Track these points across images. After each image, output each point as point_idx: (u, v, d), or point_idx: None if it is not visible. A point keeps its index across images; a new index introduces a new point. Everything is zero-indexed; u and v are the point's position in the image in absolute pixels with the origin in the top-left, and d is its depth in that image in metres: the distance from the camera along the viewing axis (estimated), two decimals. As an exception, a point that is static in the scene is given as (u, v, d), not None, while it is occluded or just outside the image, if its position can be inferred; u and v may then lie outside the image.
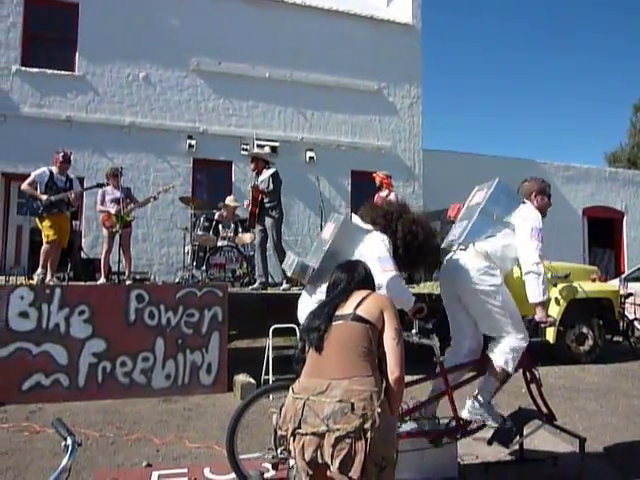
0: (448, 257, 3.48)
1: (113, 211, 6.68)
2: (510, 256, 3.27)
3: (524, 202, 3.40)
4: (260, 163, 6.90)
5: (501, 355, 3.20)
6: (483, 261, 3.21)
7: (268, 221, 6.66)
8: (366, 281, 2.37)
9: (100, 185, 6.99)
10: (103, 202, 6.83)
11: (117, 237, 6.82)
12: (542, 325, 3.23)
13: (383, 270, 2.77)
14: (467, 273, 3.21)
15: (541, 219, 3.28)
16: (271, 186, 6.64)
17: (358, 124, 11.70)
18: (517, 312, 3.25)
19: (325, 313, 2.19)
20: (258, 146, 9.13)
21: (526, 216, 3.25)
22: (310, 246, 10.57)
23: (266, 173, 6.78)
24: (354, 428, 1.91)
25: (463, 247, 3.33)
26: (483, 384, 3.29)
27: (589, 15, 50.75)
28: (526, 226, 3.20)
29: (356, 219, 3.20)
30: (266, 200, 6.65)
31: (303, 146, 11.19)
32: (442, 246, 3.54)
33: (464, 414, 3.23)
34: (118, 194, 6.73)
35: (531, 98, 54.58)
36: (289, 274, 3.07)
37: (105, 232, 6.89)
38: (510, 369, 3.22)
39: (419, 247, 3.05)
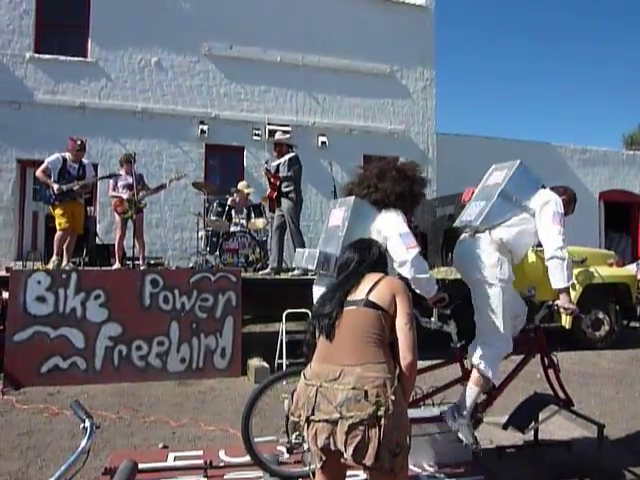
0: (462, 238, 3.35)
1: (125, 197, 6.72)
2: (525, 242, 3.17)
3: (544, 186, 3.29)
4: (284, 148, 6.91)
5: (485, 363, 3.07)
6: (495, 252, 3.08)
7: (285, 206, 6.66)
8: (378, 262, 2.30)
9: (112, 175, 7.02)
10: (115, 188, 6.87)
11: (130, 223, 6.87)
12: (564, 312, 3.14)
13: (407, 247, 2.72)
14: (477, 262, 3.09)
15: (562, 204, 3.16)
16: (287, 171, 6.64)
17: (371, 108, 11.56)
18: (509, 319, 3.11)
19: (336, 298, 2.14)
20: (278, 131, 8.98)
21: (547, 200, 3.12)
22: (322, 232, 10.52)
23: (283, 157, 6.77)
24: (367, 415, 1.90)
25: (479, 231, 3.19)
26: (465, 395, 3.12)
27: (610, 1, 49.42)
28: (548, 211, 3.07)
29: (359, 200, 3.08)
30: (283, 185, 6.66)
31: (315, 131, 11.10)
32: (456, 224, 3.42)
33: (443, 413, 3.14)
34: (130, 180, 6.75)
35: (548, 82, 53.66)
36: (313, 267, 2.87)
37: (118, 218, 6.93)
38: (494, 378, 3.12)
39: (417, 184, 3.00)
